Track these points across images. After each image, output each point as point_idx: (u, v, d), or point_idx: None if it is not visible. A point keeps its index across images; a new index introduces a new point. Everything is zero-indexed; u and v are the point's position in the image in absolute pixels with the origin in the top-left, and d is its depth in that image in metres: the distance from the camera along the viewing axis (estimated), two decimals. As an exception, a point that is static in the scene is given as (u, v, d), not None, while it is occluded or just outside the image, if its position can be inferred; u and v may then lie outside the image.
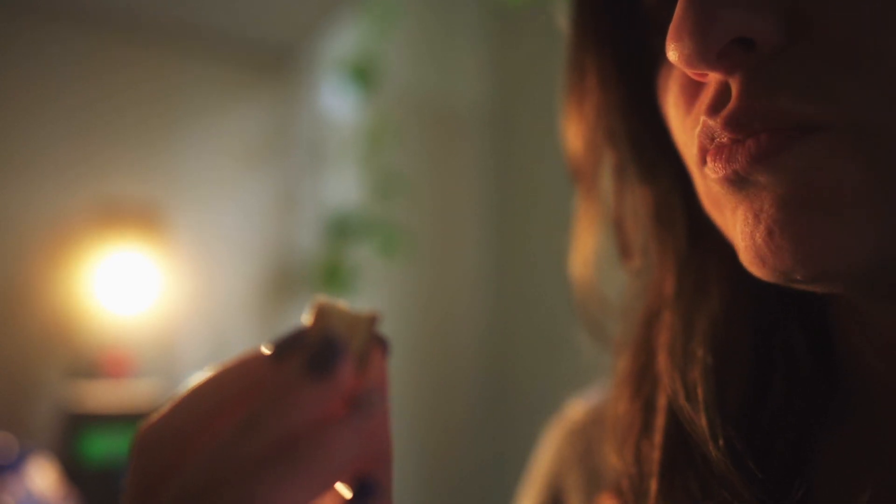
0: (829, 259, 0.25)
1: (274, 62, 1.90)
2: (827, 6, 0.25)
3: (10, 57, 1.60)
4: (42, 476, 1.24)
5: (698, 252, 0.36)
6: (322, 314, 0.27)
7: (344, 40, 1.94)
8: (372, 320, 0.28)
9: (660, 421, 0.34)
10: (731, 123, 0.26)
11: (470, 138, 2.22)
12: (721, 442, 0.31)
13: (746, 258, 0.28)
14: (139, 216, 1.68)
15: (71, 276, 1.62)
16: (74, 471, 1.41)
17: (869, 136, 0.24)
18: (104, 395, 1.50)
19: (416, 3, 2.09)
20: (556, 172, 0.43)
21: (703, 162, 0.29)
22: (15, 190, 1.60)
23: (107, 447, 1.46)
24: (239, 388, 0.26)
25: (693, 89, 0.31)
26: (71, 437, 1.45)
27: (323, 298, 0.28)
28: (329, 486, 0.25)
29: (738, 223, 0.28)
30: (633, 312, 0.40)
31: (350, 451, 0.25)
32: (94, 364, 1.58)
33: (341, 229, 1.91)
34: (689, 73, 0.28)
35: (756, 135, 0.26)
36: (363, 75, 1.91)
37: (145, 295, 1.66)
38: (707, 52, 0.25)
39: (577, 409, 0.46)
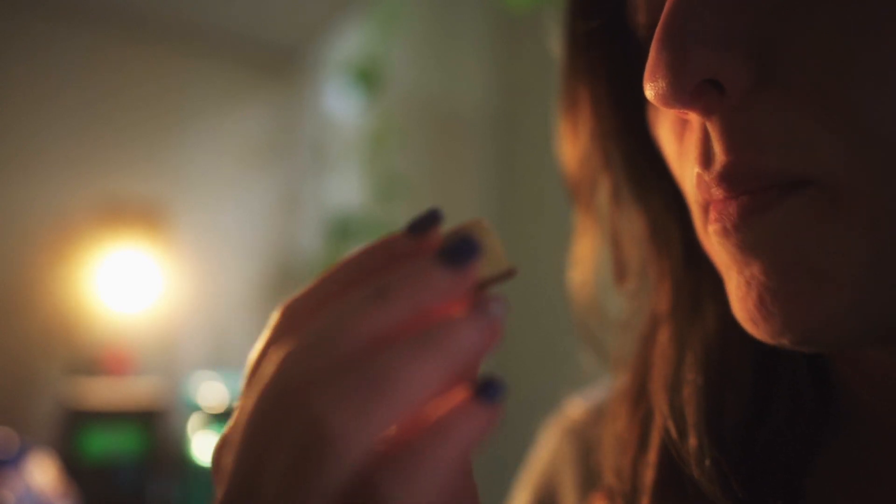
0: (816, 325, 0.26)
1: (279, 63, 1.91)
2: (796, 51, 0.25)
3: (15, 54, 1.60)
4: (41, 472, 1.24)
5: (693, 273, 0.36)
6: (476, 227, 0.28)
7: (349, 43, 1.94)
8: (510, 272, 0.28)
9: (655, 439, 0.34)
10: (725, 180, 0.27)
11: (472, 142, 2.23)
12: (707, 463, 0.31)
13: (739, 317, 0.28)
14: (142, 215, 1.68)
15: (73, 273, 1.62)
16: (74, 467, 1.41)
17: (849, 193, 0.24)
18: (104, 392, 1.50)
19: (421, 6, 2.09)
20: (559, 177, 0.43)
21: (706, 211, 0.29)
22: (19, 187, 1.60)
23: (106, 444, 1.46)
24: (374, 263, 0.26)
25: (681, 125, 0.31)
26: (71, 433, 1.45)
27: (487, 222, 0.28)
28: (457, 377, 0.24)
29: (731, 284, 0.28)
30: (631, 330, 0.40)
31: (478, 346, 0.24)
32: (94, 361, 1.59)
33: (343, 230, 1.92)
34: (666, 110, 0.28)
35: (750, 192, 0.26)
36: (367, 78, 1.91)
37: (147, 293, 1.66)
38: (680, 91, 0.26)
39: (576, 407, 0.46)
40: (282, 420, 0.22)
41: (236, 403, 0.26)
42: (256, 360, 0.25)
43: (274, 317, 0.25)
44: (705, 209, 0.29)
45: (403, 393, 0.22)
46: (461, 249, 0.25)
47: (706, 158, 0.27)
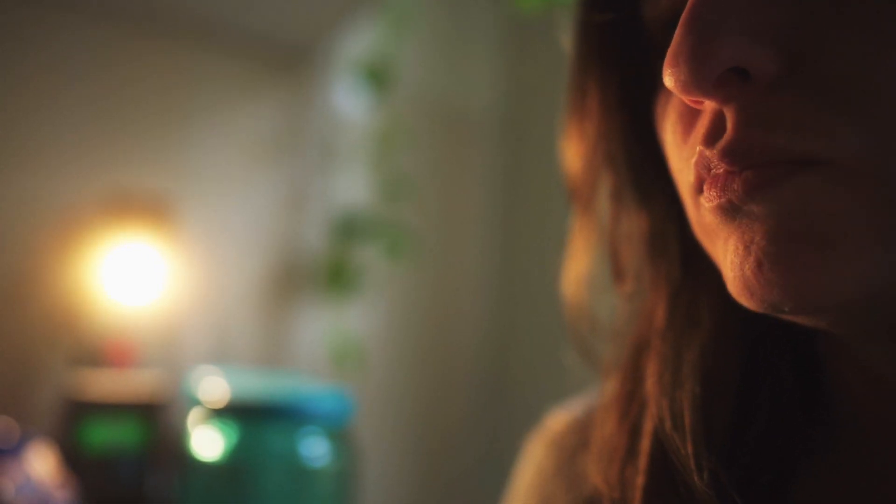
0: (816, 292, 0.25)
1: (289, 60, 1.91)
2: (825, 42, 0.24)
3: (23, 45, 1.61)
4: (42, 462, 1.25)
5: (690, 281, 0.36)
6: None
7: (359, 42, 1.95)
8: None
9: (645, 445, 0.34)
10: (728, 154, 0.26)
11: (480, 143, 2.23)
12: (705, 473, 0.31)
13: (734, 288, 0.27)
14: (148, 208, 1.69)
15: (78, 264, 1.63)
16: (74, 458, 1.41)
17: (865, 171, 0.24)
18: (106, 384, 1.51)
19: (433, 7, 2.10)
20: (564, 181, 0.43)
21: (700, 191, 0.28)
22: (25, 178, 1.61)
23: (107, 436, 1.47)
24: None
25: (690, 117, 0.30)
26: (72, 424, 1.46)
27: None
28: None
29: (728, 253, 0.27)
30: (623, 336, 0.39)
31: None
32: (97, 353, 1.59)
33: (348, 229, 1.92)
34: (686, 99, 0.27)
35: (753, 167, 0.26)
36: (377, 77, 1.92)
37: (151, 286, 1.67)
38: (704, 79, 0.25)
39: (557, 419, 0.46)
40: None
41: None
42: None
43: None
44: (699, 187, 0.29)
45: None
46: None
47: (712, 137, 0.27)
